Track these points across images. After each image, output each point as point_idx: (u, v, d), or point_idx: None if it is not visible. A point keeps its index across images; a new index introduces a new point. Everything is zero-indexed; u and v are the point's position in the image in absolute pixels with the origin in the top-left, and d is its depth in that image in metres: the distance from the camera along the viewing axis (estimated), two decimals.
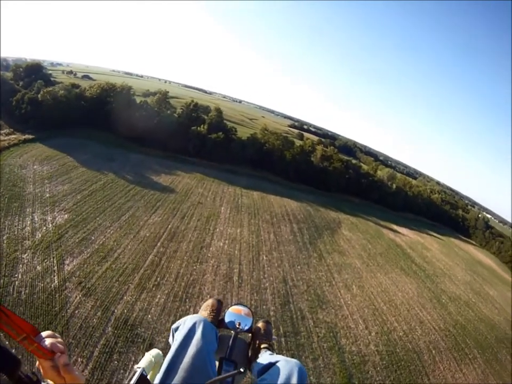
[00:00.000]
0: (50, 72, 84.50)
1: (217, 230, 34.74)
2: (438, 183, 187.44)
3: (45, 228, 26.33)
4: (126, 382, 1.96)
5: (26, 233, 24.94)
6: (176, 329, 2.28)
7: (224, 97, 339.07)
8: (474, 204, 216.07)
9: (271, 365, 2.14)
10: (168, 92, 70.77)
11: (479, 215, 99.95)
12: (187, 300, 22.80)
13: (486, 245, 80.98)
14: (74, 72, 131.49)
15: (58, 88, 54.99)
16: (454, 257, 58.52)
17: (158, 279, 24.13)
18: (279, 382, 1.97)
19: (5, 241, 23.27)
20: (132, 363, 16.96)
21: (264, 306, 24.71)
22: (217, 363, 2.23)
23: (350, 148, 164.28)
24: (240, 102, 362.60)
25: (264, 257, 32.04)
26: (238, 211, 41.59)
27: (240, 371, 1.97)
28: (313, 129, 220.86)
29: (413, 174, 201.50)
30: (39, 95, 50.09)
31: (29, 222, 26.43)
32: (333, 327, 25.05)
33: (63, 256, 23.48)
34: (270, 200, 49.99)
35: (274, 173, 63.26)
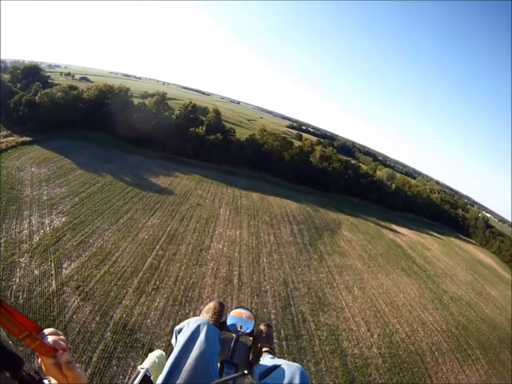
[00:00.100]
0: (48, 74, 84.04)
1: (217, 232, 34.45)
2: (437, 182, 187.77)
3: (42, 231, 26.01)
4: (130, 383, 1.97)
5: (24, 237, 24.61)
6: (180, 330, 2.28)
7: (222, 98, 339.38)
8: (473, 203, 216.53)
9: (273, 368, 2.12)
10: (166, 93, 70.51)
11: (479, 214, 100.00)
12: (186, 304, 22.48)
13: (486, 244, 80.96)
14: (72, 74, 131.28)
15: (56, 90, 54.65)
16: (454, 257, 58.38)
17: (157, 282, 23.81)
18: None
19: (2, 245, 22.92)
20: (131, 369, 16.66)
21: (264, 310, 24.41)
22: (218, 365, 2.23)
23: (348, 148, 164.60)
24: (238, 103, 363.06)
25: (264, 259, 31.76)
26: (237, 213, 41.31)
27: (245, 373, 2.02)
28: (311, 130, 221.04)
29: (412, 173, 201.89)
30: (37, 97, 49.78)
31: (26, 225, 26.11)
32: (335, 329, 24.77)
33: (60, 260, 23.16)
34: (270, 201, 49.74)
35: (273, 173, 63.01)
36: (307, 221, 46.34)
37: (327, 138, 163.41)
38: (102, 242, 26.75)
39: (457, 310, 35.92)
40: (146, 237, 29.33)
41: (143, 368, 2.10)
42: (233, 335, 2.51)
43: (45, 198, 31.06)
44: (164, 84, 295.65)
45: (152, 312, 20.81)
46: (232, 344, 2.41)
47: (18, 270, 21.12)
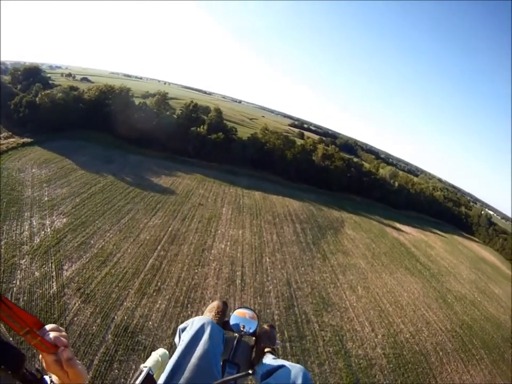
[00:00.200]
0: (48, 75, 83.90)
1: (219, 231, 34.23)
2: (440, 180, 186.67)
3: (43, 232, 25.89)
4: (132, 381, 1.94)
5: (25, 238, 24.51)
6: (183, 329, 2.28)
7: (223, 97, 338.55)
8: (476, 200, 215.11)
9: (275, 369, 2.11)
10: (167, 93, 70.40)
11: (482, 212, 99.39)
12: (189, 305, 22.29)
13: (490, 242, 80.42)
14: (73, 75, 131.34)
15: (56, 91, 54.60)
16: (458, 255, 57.95)
17: (159, 283, 23.63)
18: None
19: (3, 247, 22.85)
20: (132, 372, 16.51)
21: (268, 310, 24.19)
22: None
23: (351, 146, 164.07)
24: (239, 102, 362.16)
25: (267, 259, 31.51)
26: (239, 212, 41.08)
27: (249, 373, 2.00)
28: (313, 128, 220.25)
29: (414, 171, 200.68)
30: (37, 98, 49.70)
31: (27, 227, 26.01)
32: (339, 330, 24.51)
33: (61, 262, 23.03)
34: (272, 200, 49.47)
35: (275, 172, 62.73)
36: (310, 219, 46.05)
37: (329, 136, 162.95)
38: (103, 243, 26.60)
39: (461, 309, 35.57)
40: (147, 238, 29.15)
41: (146, 367, 2.09)
42: (236, 334, 2.50)
43: (46, 199, 30.95)
44: (165, 83, 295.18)
45: (154, 314, 20.64)
46: (234, 344, 2.39)
47: (19, 272, 21.02)
